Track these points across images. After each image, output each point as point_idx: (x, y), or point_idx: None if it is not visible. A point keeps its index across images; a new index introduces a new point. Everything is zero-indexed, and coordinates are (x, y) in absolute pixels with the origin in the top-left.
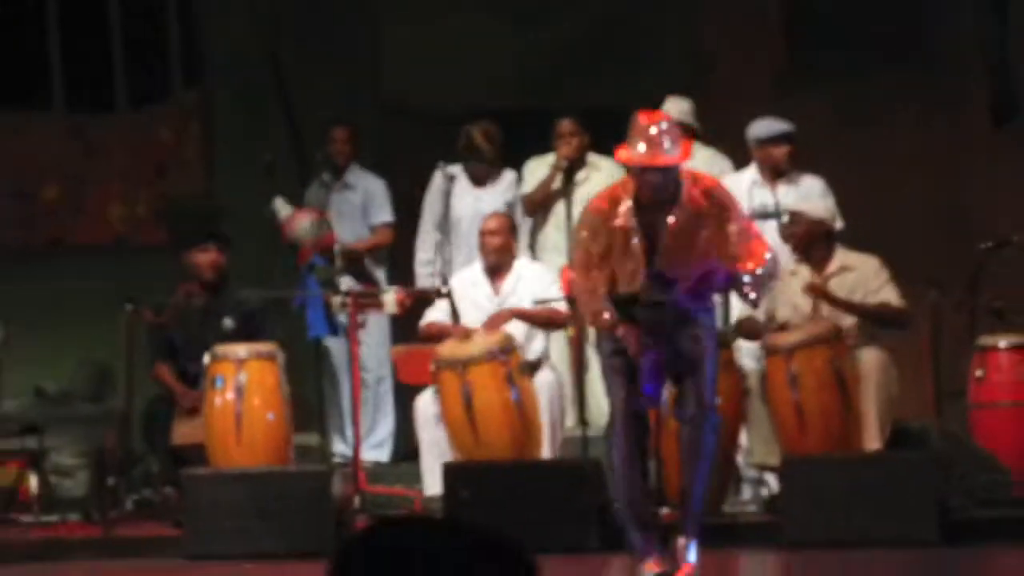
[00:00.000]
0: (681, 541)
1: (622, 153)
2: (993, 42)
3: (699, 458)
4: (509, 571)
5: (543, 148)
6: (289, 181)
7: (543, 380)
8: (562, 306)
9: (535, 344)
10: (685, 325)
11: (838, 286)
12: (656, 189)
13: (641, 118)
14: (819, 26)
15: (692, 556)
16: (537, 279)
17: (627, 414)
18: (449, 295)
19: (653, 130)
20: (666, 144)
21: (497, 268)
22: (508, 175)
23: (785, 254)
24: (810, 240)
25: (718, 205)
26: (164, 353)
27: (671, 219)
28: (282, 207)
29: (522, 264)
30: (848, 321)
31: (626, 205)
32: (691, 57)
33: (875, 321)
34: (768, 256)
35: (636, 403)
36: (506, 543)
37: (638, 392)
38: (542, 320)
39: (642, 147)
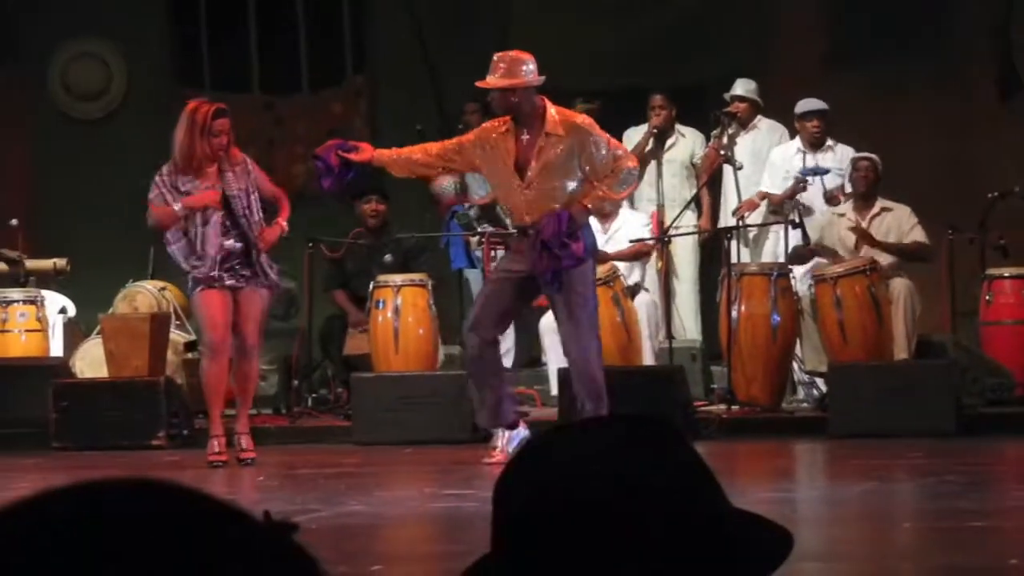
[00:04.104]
0: None
1: None
2: (1001, 29)
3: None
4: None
5: (639, 119)
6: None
7: (641, 301)
8: (650, 244)
9: (634, 273)
10: (559, 279)
11: (879, 224)
12: (497, 107)
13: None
14: (856, 16)
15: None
16: (634, 222)
17: (473, 339)
18: None
19: (493, 60)
20: (498, 72)
21: (606, 214)
22: None
23: (821, 208)
24: (875, 181)
25: (575, 132)
26: (339, 281)
27: (538, 146)
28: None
29: (624, 211)
30: (882, 256)
31: (502, 131)
32: (756, 45)
33: (906, 257)
34: (629, 166)
35: (482, 331)
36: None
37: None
38: (631, 255)
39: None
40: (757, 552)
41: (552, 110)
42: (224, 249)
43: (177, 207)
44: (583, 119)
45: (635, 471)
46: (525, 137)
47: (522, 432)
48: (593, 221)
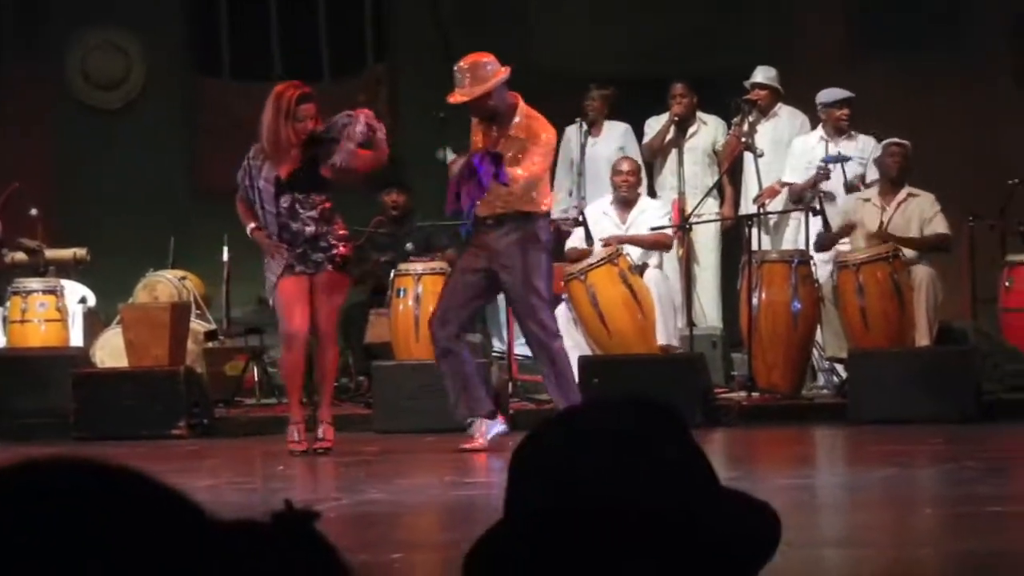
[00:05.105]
0: None
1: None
2: (1018, 17)
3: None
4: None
5: (660, 108)
6: (458, 135)
7: (650, 276)
8: (670, 232)
9: (651, 258)
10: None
11: (903, 210)
12: (476, 115)
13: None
14: (877, 6)
15: None
16: (654, 211)
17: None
18: (584, 223)
19: (456, 73)
20: (465, 82)
21: (626, 201)
22: (616, 127)
23: (842, 196)
24: (906, 168)
25: (531, 138)
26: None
27: (500, 145)
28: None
29: (644, 199)
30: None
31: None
32: (777, 34)
33: (927, 248)
34: (519, 174)
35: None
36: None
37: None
38: (649, 243)
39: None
40: (749, 543)
41: (522, 111)
42: (295, 234)
43: (248, 229)
44: (547, 136)
45: (626, 465)
46: (494, 133)
47: (499, 426)
48: (612, 211)
